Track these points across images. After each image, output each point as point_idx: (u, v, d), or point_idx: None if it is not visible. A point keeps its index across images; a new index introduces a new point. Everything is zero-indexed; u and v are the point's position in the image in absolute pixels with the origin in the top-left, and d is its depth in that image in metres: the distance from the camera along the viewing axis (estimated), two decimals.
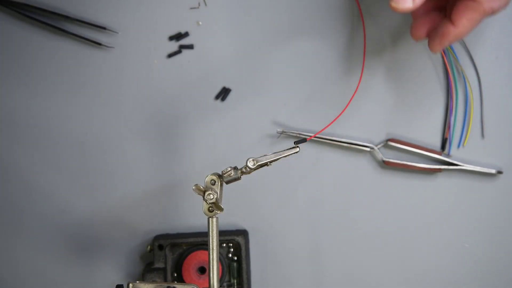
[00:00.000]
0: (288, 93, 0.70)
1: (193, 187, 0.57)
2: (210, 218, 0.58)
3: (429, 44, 0.60)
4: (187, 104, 0.71)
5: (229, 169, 0.57)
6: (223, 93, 0.70)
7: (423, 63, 0.70)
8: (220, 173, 0.58)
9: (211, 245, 0.57)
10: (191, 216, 0.72)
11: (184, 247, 0.70)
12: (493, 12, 0.56)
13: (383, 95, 0.70)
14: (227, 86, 0.70)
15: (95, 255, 0.72)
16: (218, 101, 0.71)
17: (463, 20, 0.57)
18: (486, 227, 0.71)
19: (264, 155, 0.57)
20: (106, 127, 0.71)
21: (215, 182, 0.57)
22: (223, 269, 0.70)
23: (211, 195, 0.56)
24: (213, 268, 0.58)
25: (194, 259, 0.69)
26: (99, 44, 0.70)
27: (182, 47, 0.70)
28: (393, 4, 0.56)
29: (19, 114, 0.71)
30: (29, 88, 0.71)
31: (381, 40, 0.70)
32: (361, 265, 0.72)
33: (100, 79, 0.71)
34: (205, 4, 0.70)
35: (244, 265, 0.69)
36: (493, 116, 0.70)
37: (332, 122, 0.62)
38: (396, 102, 0.70)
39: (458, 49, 0.69)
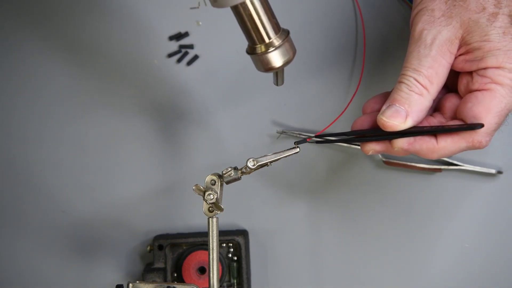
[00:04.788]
0: (288, 93, 0.70)
1: (193, 187, 0.57)
2: (210, 218, 0.58)
3: (393, 144, 0.53)
4: (187, 104, 0.71)
5: (229, 169, 0.57)
6: (184, 56, 0.69)
7: None
8: (220, 173, 0.58)
9: (211, 245, 0.57)
10: (191, 216, 0.72)
11: (184, 247, 0.70)
12: (479, 147, 0.52)
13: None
14: (227, 85, 0.70)
15: (95, 255, 0.72)
16: (218, 100, 0.70)
17: (448, 141, 0.52)
18: (486, 227, 0.71)
19: (264, 155, 0.57)
20: (106, 127, 0.71)
21: (215, 182, 0.57)
22: (223, 269, 0.70)
23: (211, 195, 0.56)
24: (213, 268, 0.58)
25: (194, 259, 0.69)
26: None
27: (182, 47, 0.70)
28: (383, 118, 0.52)
29: (19, 114, 0.71)
30: (29, 88, 0.71)
31: (381, 40, 0.70)
32: (361, 265, 0.72)
33: (100, 79, 0.71)
34: (205, 4, 0.70)
35: (244, 265, 0.69)
36: None
37: (332, 123, 0.62)
38: None
39: None
